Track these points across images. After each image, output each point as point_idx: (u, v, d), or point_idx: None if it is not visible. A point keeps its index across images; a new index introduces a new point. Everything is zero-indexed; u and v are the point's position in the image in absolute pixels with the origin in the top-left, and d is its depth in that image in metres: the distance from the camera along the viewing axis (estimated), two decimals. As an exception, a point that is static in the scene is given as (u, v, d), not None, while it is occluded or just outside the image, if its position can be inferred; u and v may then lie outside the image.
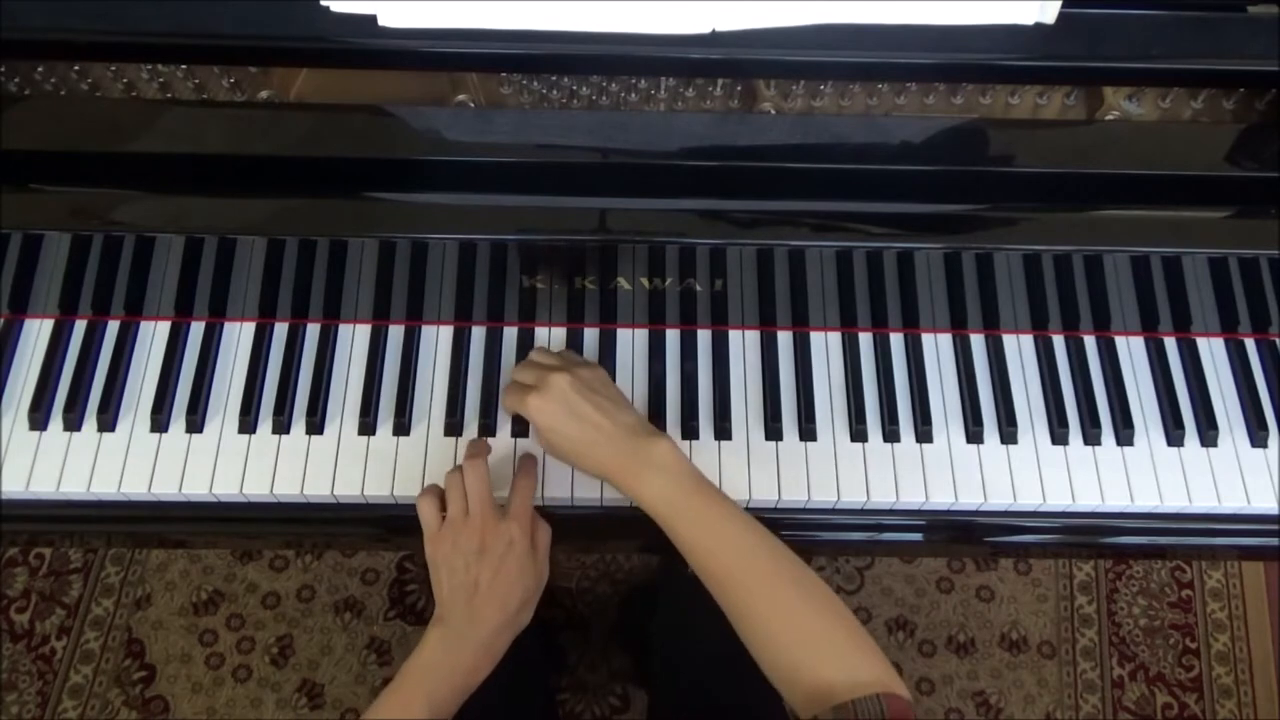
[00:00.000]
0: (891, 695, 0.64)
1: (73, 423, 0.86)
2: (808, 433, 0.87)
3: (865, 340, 0.92)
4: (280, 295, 0.88)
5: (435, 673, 0.74)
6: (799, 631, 0.70)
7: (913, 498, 0.86)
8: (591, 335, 0.92)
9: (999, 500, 0.86)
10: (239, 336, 0.91)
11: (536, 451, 0.86)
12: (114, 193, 0.77)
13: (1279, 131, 0.79)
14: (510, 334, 0.91)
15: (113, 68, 0.79)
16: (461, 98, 0.79)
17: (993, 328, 0.92)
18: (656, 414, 0.88)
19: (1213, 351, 0.92)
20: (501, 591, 0.76)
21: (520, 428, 0.88)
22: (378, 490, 0.85)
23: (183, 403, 0.87)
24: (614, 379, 0.89)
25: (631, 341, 0.91)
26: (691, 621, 1.08)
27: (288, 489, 0.85)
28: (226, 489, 0.84)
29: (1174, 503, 0.86)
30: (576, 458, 0.81)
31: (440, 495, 0.80)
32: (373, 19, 0.70)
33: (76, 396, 0.86)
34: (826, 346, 0.91)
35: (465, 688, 0.75)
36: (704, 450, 0.87)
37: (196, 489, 0.84)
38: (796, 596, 0.72)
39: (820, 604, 0.71)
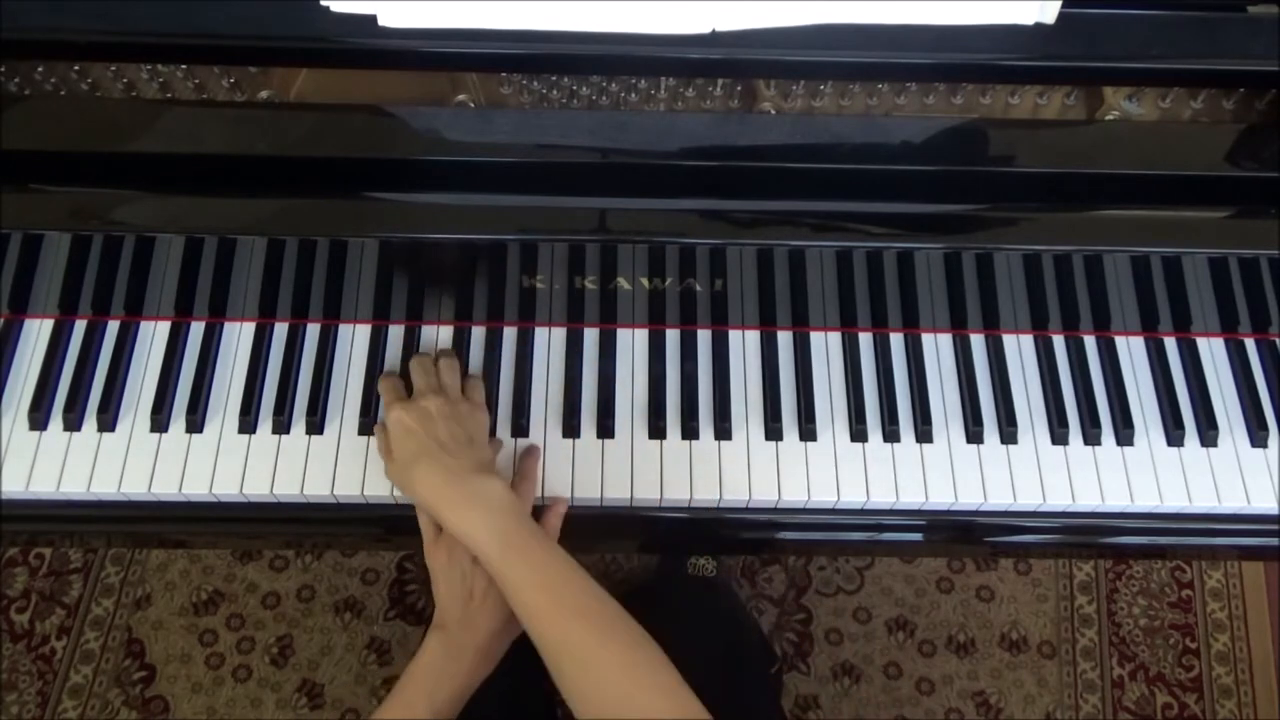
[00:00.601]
0: None
1: (73, 423, 0.86)
2: (808, 433, 0.87)
3: (865, 340, 0.92)
4: (280, 295, 0.88)
5: (435, 676, 0.76)
6: (627, 674, 0.69)
7: (913, 498, 0.86)
8: (591, 335, 0.92)
9: (999, 500, 0.86)
10: (239, 336, 0.91)
11: (538, 449, 0.87)
12: (114, 193, 0.77)
13: (1279, 131, 0.79)
14: (510, 334, 0.91)
15: (113, 68, 0.79)
16: (461, 98, 0.79)
17: (993, 328, 0.92)
18: (656, 414, 0.88)
19: (1213, 351, 0.92)
20: (496, 599, 0.77)
21: (519, 425, 0.88)
22: (378, 490, 0.85)
23: (183, 403, 0.87)
24: (614, 379, 0.89)
25: (631, 341, 0.91)
26: (690, 621, 1.08)
27: (288, 489, 0.85)
28: (226, 489, 0.84)
29: (1174, 503, 0.86)
30: (407, 478, 0.79)
31: None
32: (373, 19, 0.71)
33: (76, 396, 0.86)
34: (826, 346, 0.91)
35: (465, 689, 0.77)
36: (704, 450, 0.87)
37: (196, 489, 0.84)
38: (625, 641, 0.71)
39: (647, 650, 0.71)
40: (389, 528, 0.90)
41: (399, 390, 0.85)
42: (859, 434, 0.88)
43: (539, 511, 0.83)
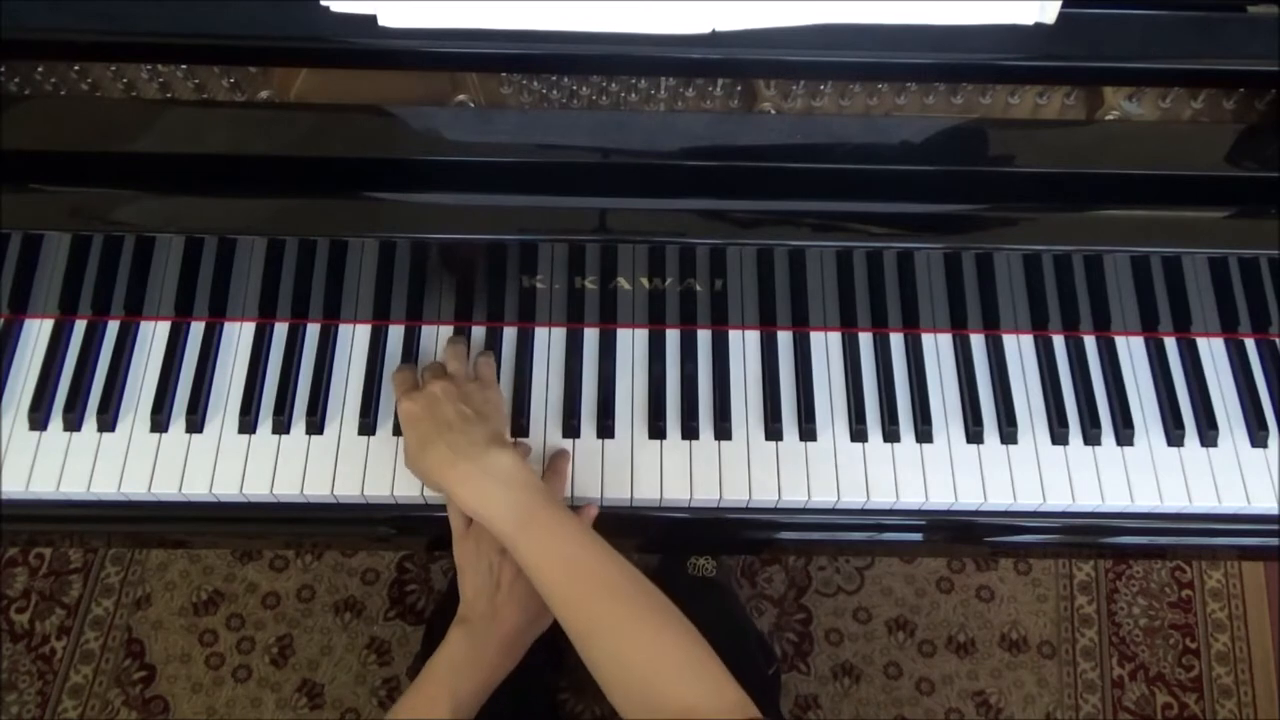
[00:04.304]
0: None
1: (73, 423, 0.86)
2: (808, 433, 0.87)
3: (865, 340, 0.92)
4: (280, 295, 0.88)
5: (459, 669, 0.76)
6: (655, 651, 0.67)
7: (913, 498, 0.86)
8: (591, 335, 0.92)
9: (999, 500, 0.86)
10: (239, 336, 0.91)
11: (568, 450, 0.87)
12: (114, 193, 0.77)
13: (1279, 131, 0.79)
14: (510, 334, 0.91)
15: (113, 68, 0.79)
16: (461, 98, 0.79)
17: (993, 328, 0.92)
18: (656, 414, 0.88)
19: (1213, 351, 0.92)
20: (522, 594, 0.77)
21: (519, 426, 0.88)
22: (378, 490, 0.85)
23: (183, 403, 0.87)
24: (614, 379, 0.89)
25: (631, 341, 0.91)
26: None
27: (288, 489, 0.85)
28: (226, 489, 0.84)
29: (1174, 503, 0.86)
30: (420, 465, 0.77)
31: None
32: (373, 19, 0.70)
33: (76, 396, 0.86)
34: (826, 346, 0.91)
35: (488, 684, 0.77)
36: (704, 450, 0.87)
37: (196, 489, 0.84)
38: (652, 618, 0.69)
39: (676, 626, 0.69)
40: (389, 527, 0.90)
41: (409, 381, 0.83)
42: (859, 434, 0.88)
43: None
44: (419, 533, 0.90)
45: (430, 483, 0.79)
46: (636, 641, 0.68)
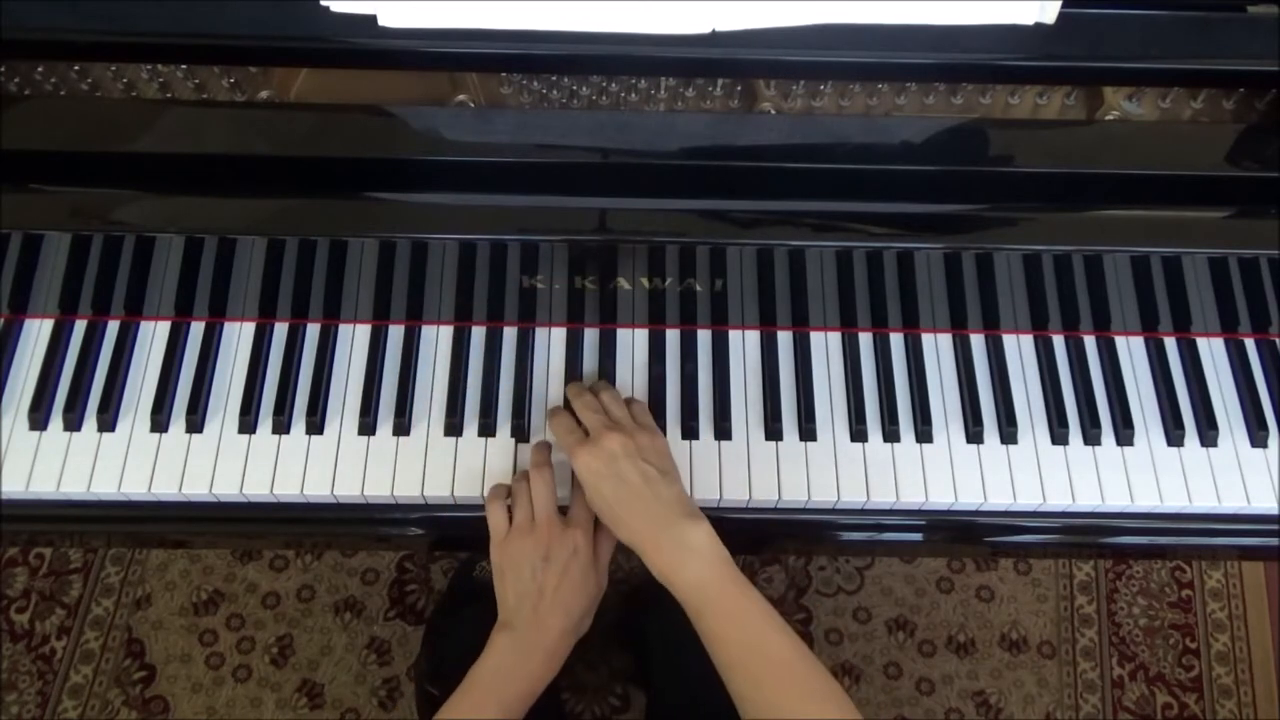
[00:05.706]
0: None
1: (73, 423, 0.86)
2: (808, 433, 0.87)
3: (865, 340, 0.92)
4: (280, 295, 0.88)
5: (504, 676, 0.76)
6: None
7: (913, 498, 0.86)
8: (591, 335, 0.92)
9: (999, 500, 0.86)
10: (239, 336, 0.91)
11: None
12: (114, 193, 0.77)
13: (1279, 131, 0.79)
14: (510, 334, 0.91)
15: (113, 68, 0.79)
16: (461, 98, 0.79)
17: (993, 328, 0.92)
18: (657, 414, 0.88)
19: (1213, 351, 0.92)
20: (566, 599, 0.77)
21: (518, 427, 0.88)
22: (378, 490, 0.85)
23: (183, 403, 0.87)
24: (614, 379, 0.89)
25: (631, 341, 0.91)
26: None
27: (288, 489, 0.85)
28: (226, 489, 0.84)
29: (1174, 503, 0.86)
30: (611, 520, 0.78)
31: (507, 498, 0.82)
32: (373, 19, 0.71)
33: (76, 396, 0.86)
34: (826, 346, 0.91)
35: (532, 692, 0.77)
36: (704, 450, 0.87)
37: (197, 489, 0.84)
38: (817, 699, 0.71)
39: (837, 703, 0.71)
40: (390, 527, 0.90)
41: (576, 430, 0.82)
42: (859, 434, 0.88)
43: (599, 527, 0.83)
44: (419, 533, 0.90)
45: (617, 535, 0.79)
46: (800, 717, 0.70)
